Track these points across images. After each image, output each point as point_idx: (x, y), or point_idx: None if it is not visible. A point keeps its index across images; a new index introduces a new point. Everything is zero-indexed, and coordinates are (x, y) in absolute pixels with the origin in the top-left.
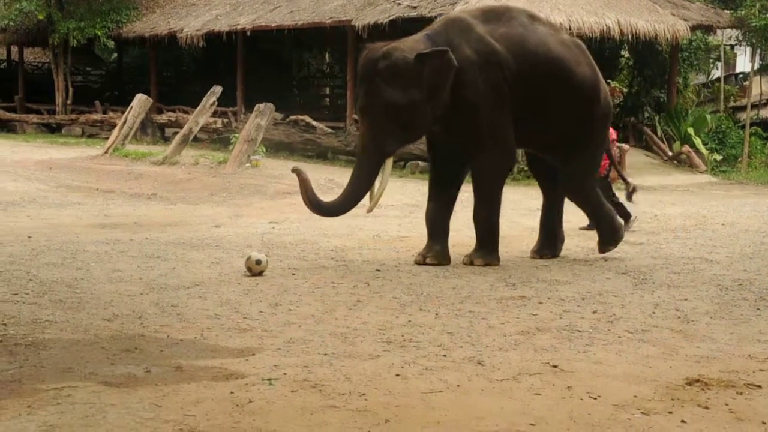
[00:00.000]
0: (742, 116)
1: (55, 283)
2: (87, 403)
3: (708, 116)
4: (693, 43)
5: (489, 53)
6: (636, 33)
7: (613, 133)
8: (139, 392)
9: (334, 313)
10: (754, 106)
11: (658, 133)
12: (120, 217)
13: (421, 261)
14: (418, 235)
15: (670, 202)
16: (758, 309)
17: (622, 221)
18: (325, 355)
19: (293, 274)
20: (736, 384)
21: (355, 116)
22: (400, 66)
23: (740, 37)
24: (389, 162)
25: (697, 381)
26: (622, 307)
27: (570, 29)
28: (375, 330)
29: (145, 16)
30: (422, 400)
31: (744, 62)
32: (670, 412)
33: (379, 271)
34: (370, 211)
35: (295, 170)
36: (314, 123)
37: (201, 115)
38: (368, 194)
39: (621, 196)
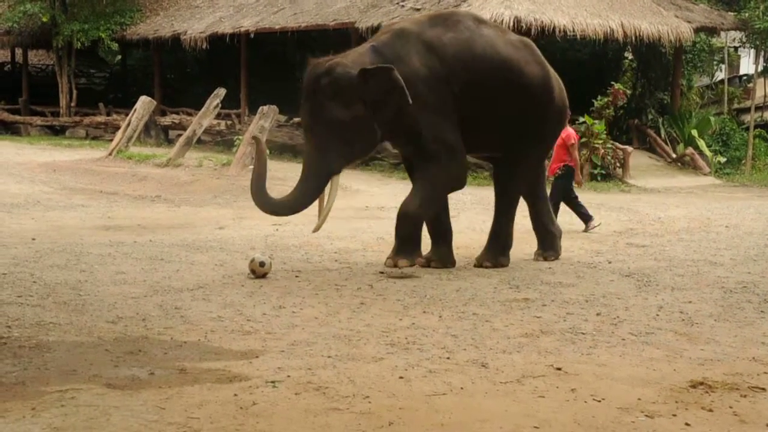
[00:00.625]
0: (746, 118)
1: (59, 285)
2: (91, 405)
3: (712, 118)
4: (697, 45)
5: (436, 64)
6: (639, 35)
7: (573, 135)
8: (143, 394)
9: (338, 315)
10: (758, 108)
11: (662, 135)
12: (124, 219)
13: (392, 265)
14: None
15: (673, 204)
16: (762, 311)
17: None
18: (329, 357)
19: (297, 276)
20: (740, 387)
21: None
22: (342, 82)
23: (744, 39)
24: (336, 179)
25: (701, 384)
26: (626, 309)
27: (573, 31)
28: (378, 332)
29: (148, 19)
30: (426, 403)
31: (748, 64)
32: (674, 415)
33: (382, 273)
34: (316, 230)
35: (255, 139)
36: None
37: (205, 118)
38: (319, 205)
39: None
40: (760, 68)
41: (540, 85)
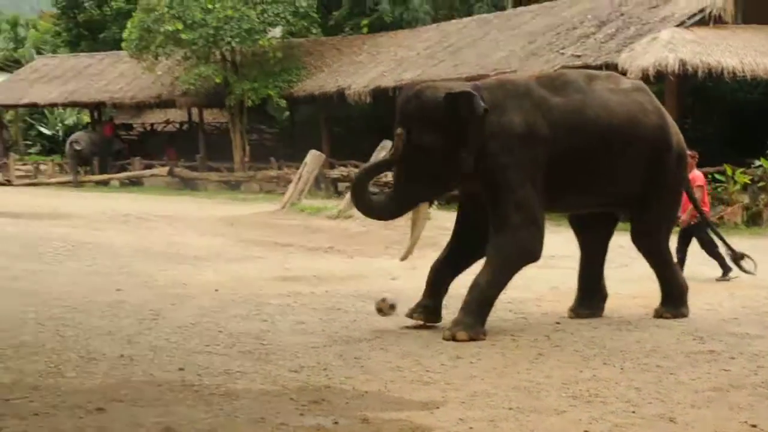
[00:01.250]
0: None
1: (243, 334)
2: None
3: None
4: None
5: (538, 125)
6: None
7: (699, 177)
8: None
9: (516, 366)
10: None
11: None
12: (300, 271)
13: (450, 337)
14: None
15: None
16: None
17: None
18: (510, 409)
19: None
20: None
21: None
22: (429, 105)
23: None
24: (423, 207)
25: None
26: None
27: (743, 72)
28: (559, 384)
29: (314, 75)
30: None
31: None
32: None
33: (558, 323)
34: (403, 259)
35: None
36: None
37: None
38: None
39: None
40: None
41: (657, 133)
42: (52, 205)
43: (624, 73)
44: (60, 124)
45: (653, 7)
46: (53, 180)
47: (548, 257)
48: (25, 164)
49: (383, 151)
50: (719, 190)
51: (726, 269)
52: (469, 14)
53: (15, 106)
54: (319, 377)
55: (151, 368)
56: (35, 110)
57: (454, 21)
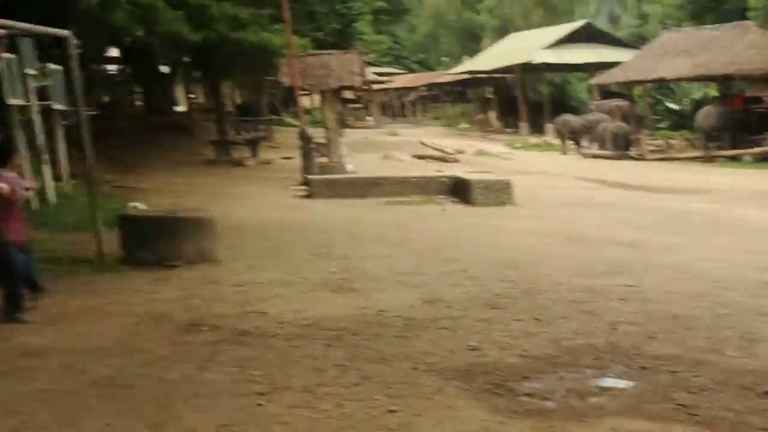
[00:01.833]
0: None
1: None
2: None
3: None
4: None
5: None
6: None
7: None
8: None
9: None
10: None
11: None
12: None
13: None
14: None
15: None
16: None
17: None
18: None
19: None
20: None
21: None
22: None
23: None
24: None
25: None
26: None
27: None
28: None
29: None
30: None
31: None
32: None
33: None
34: None
35: None
36: None
37: None
38: None
39: None
40: None
41: None
42: (685, 179)
43: None
44: (687, 99)
45: None
46: (683, 155)
47: None
48: (655, 139)
49: None
50: None
51: None
52: None
53: (643, 82)
54: None
55: None
56: (662, 85)
57: None
